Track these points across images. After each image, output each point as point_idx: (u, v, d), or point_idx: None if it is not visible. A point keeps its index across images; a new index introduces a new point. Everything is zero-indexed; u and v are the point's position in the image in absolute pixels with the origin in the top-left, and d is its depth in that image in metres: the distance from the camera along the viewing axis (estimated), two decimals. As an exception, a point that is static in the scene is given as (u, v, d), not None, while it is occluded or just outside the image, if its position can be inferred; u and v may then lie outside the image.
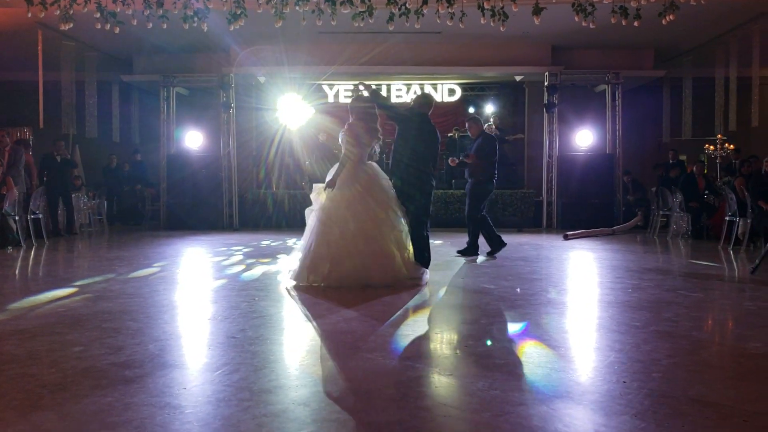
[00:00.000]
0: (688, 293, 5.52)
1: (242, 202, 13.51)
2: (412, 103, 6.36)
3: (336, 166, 5.86)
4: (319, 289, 5.48)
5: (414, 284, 5.70)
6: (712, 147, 12.74)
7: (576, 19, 7.93)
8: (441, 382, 3.02)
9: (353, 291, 5.43)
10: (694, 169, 11.52)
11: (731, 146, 12.42)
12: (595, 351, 3.67)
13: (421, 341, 3.83)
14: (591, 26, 7.99)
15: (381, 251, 5.63)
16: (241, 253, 8.61)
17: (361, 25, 8.57)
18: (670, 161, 13.38)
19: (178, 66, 13.75)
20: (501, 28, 8.11)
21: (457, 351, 3.70)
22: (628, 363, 3.32)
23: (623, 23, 8.10)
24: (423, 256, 6.01)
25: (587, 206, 12.95)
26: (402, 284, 5.64)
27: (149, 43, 12.52)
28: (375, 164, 6.03)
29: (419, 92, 14.83)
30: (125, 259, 7.98)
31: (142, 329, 4.08)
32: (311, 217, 5.86)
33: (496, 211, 12.88)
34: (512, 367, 3.26)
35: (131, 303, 4.99)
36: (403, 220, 5.86)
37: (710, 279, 6.50)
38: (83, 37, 11.99)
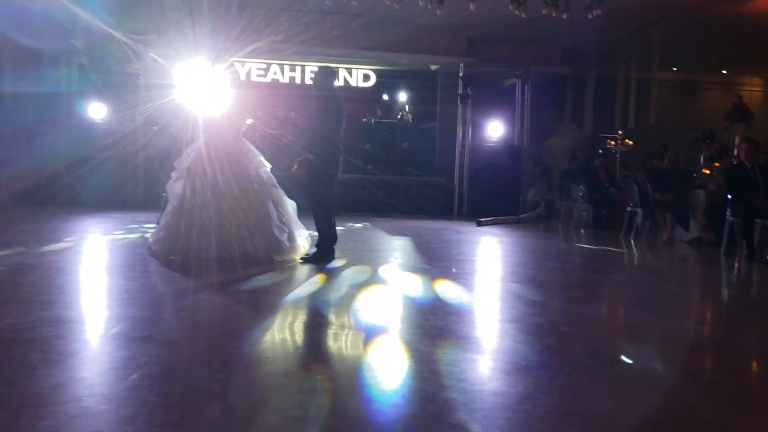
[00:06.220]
0: (596, 276, 5.86)
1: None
2: (318, 79, 6.01)
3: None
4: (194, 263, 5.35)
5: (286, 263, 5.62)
6: (612, 142, 13.49)
7: (510, 7, 8.03)
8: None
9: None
10: (596, 162, 12.17)
11: (630, 141, 13.23)
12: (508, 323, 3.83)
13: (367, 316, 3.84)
14: (522, 15, 8.10)
15: (241, 227, 5.56)
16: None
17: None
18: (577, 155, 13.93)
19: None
20: (437, 12, 8.11)
21: (416, 327, 3.74)
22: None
23: (553, 14, 8.11)
24: (331, 235, 5.89)
25: (496, 195, 13.33)
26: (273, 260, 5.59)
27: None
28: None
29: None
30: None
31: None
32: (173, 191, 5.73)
33: (410, 198, 13.06)
34: (474, 341, 3.34)
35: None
36: (285, 200, 5.85)
37: (611, 263, 6.92)
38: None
